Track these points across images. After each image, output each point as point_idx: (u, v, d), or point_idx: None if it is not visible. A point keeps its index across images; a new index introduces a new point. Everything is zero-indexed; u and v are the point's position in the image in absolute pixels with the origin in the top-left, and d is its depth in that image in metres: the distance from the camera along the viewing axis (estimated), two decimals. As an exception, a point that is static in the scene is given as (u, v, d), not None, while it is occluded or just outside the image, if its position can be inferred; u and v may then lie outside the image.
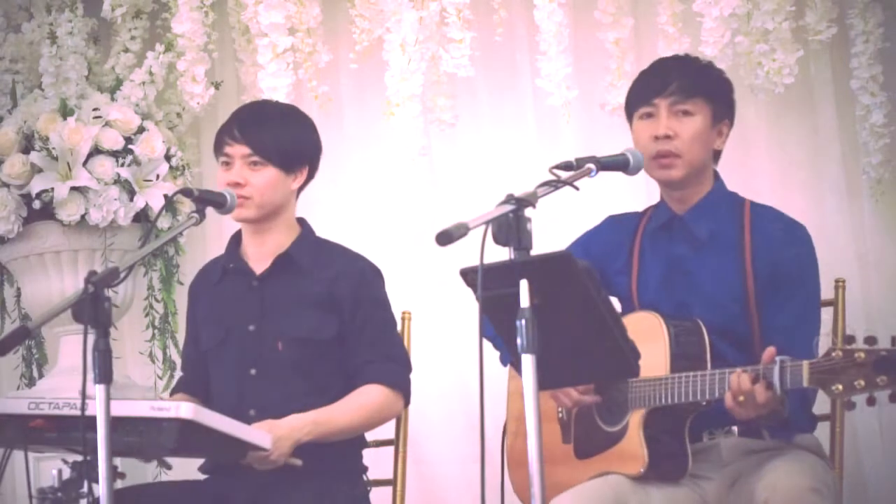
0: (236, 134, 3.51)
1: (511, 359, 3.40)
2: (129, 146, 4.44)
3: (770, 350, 3.00)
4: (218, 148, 3.55)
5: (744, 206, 3.38)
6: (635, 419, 3.18)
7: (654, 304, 3.31)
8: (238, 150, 3.50)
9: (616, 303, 3.31)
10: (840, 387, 2.84)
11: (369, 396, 3.46)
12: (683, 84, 3.32)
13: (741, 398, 2.99)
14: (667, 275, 3.34)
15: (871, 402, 2.83)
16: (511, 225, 2.63)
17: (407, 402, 3.55)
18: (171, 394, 3.76)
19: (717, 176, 3.41)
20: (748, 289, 3.26)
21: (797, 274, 3.27)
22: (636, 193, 3.90)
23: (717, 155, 3.41)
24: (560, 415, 3.37)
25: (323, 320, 3.48)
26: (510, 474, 3.51)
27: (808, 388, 2.94)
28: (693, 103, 3.31)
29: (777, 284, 3.25)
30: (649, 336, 3.12)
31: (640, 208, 3.53)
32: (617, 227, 3.50)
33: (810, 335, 3.24)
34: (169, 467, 3.27)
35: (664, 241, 3.38)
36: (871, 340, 2.83)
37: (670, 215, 3.38)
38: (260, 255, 3.56)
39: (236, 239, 3.63)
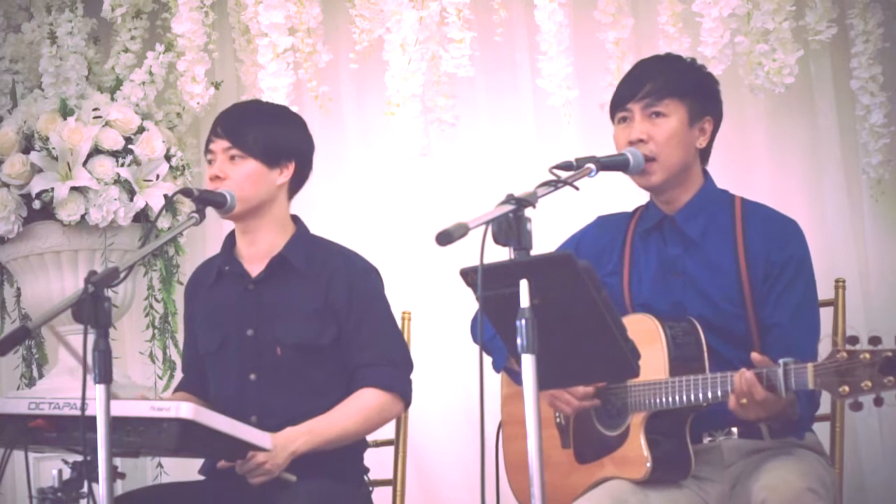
0: (218, 130, 3.51)
1: (504, 365, 3.40)
2: (129, 146, 4.44)
3: (754, 355, 2.99)
4: (205, 147, 3.55)
5: (734, 203, 3.37)
6: (636, 423, 3.17)
7: (648, 304, 3.31)
8: (219, 145, 3.49)
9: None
10: (847, 388, 2.83)
11: (365, 401, 3.43)
12: (655, 86, 3.30)
13: (744, 400, 2.99)
14: (661, 275, 3.33)
15: (878, 402, 2.82)
16: (511, 225, 2.63)
17: (407, 403, 3.52)
18: (174, 393, 3.75)
19: (706, 175, 3.40)
20: (744, 286, 3.26)
21: (792, 270, 3.26)
22: (638, 193, 3.89)
23: (704, 154, 3.39)
24: (558, 420, 3.36)
25: (321, 326, 3.45)
26: (509, 478, 3.50)
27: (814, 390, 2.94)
28: (665, 105, 3.29)
29: (772, 282, 3.25)
30: (646, 339, 3.12)
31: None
32: (607, 228, 3.49)
33: (809, 331, 3.24)
34: None
35: (657, 241, 3.37)
36: (875, 340, 2.81)
37: (661, 216, 3.37)
38: (253, 256, 3.54)
39: (231, 239, 3.60)
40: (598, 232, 3.50)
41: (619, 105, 3.35)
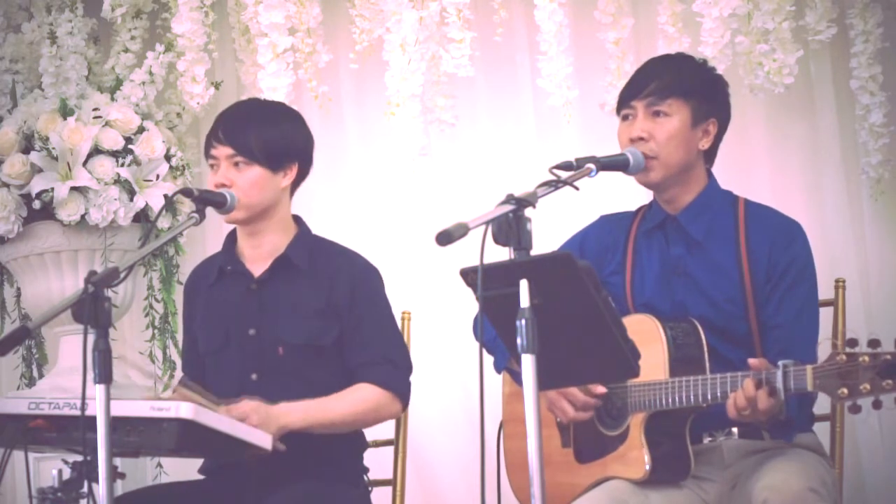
0: (220, 136, 3.49)
1: (505, 365, 3.40)
2: (129, 146, 4.44)
3: (751, 361, 3.00)
4: (206, 151, 3.54)
5: (738, 204, 3.37)
6: (636, 423, 3.17)
7: (650, 303, 3.31)
8: (222, 152, 3.47)
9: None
10: (845, 391, 2.83)
11: (363, 395, 3.43)
12: (660, 85, 3.30)
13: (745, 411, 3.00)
14: (663, 275, 3.34)
15: (877, 405, 2.83)
16: (511, 225, 2.63)
17: (405, 404, 3.52)
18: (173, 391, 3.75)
19: (710, 175, 3.39)
20: (746, 287, 3.26)
21: (794, 272, 3.26)
22: (638, 192, 3.90)
23: (709, 155, 3.39)
24: (558, 419, 3.36)
25: (323, 326, 3.45)
26: (509, 477, 3.50)
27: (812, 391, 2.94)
28: (668, 104, 3.29)
29: (775, 282, 3.25)
30: (647, 339, 3.12)
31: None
32: (610, 227, 3.49)
33: (810, 332, 3.24)
34: None
35: (660, 241, 3.37)
36: (874, 343, 2.82)
37: (664, 216, 3.37)
38: (256, 256, 3.53)
39: (232, 238, 3.60)
40: (601, 231, 3.50)
41: (623, 102, 3.35)
